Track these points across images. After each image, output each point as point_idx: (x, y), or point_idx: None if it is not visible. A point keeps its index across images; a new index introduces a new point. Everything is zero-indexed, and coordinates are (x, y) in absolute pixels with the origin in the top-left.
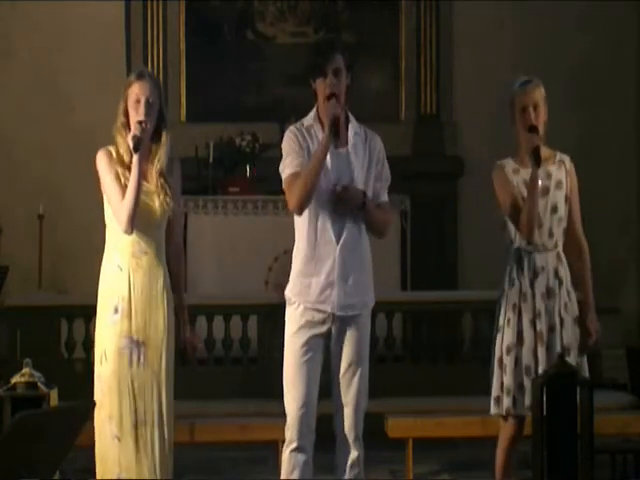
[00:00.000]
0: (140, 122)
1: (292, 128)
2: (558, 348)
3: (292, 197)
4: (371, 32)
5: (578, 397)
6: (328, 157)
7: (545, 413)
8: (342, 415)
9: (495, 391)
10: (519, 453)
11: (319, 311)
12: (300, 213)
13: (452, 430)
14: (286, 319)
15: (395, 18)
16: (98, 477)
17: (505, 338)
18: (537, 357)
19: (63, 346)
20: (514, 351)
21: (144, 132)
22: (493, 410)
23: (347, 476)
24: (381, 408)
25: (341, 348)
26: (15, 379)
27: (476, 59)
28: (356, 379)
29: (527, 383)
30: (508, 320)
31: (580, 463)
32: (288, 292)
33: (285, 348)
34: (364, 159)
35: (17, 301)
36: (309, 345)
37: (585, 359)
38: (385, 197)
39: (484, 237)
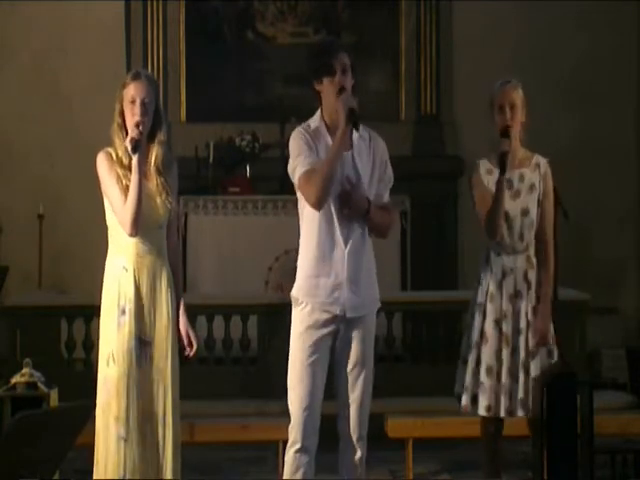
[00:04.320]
0: (137, 124)
1: (299, 129)
2: (523, 351)
3: (311, 193)
4: (371, 32)
5: (578, 397)
6: None
7: (545, 413)
8: (347, 415)
9: (457, 388)
10: (519, 453)
11: (328, 312)
12: (320, 208)
13: (452, 430)
14: (292, 319)
15: (395, 18)
16: (99, 478)
17: (470, 337)
18: (500, 358)
19: (63, 346)
20: (476, 350)
21: (141, 134)
22: (459, 408)
23: (349, 476)
24: (381, 408)
25: (347, 348)
26: (15, 379)
27: (476, 59)
28: (361, 379)
29: (487, 383)
30: (474, 319)
31: (580, 463)
32: (295, 292)
33: (291, 348)
34: (368, 162)
35: (17, 301)
36: (316, 346)
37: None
38: (387, 198)
39: (484, 237)
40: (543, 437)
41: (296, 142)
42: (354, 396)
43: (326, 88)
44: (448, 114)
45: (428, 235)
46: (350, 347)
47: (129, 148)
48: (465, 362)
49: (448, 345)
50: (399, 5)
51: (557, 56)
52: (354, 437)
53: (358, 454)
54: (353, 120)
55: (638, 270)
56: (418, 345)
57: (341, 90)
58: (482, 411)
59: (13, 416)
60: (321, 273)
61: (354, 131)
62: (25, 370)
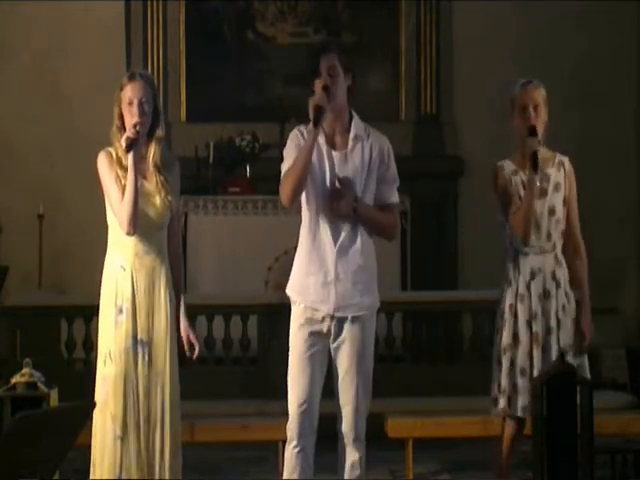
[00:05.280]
0: (135, 125)
1: (295, 131)
2: (554, 350)
3: (282, 190)
4: (371, 32)
5: (578, 397)
6: (325, 160)
7: (545, 413)
8: (344, 415)
9: (493, 392)
10: (519, 453)
11: (318, 310)
12: (289, 205)
13: (452, 430)
14: (291, 317)
15: (395, 18)
16: (95, 477)
17: (502, 339)
18: (532, 359)
19: (63, 346)
20: (510, 352)
21: (138, 134)
22: (493, 411)
23: (348, 477)
24: (381, 408)
25: (342, 348)
26: (15, 379)
27: (476, 59)
28: (356, 380)
29: (522, 384)
30: (505, 321)
31: (580, 463)
32: (289, 291)
33: (289, 346)
34: (363, 162)
35: (17, 301)
36: (310, 342)
37: (585, 359)
38: (393, 199)
39: (484, 237)
40: (543, 437)
41: (288, 144)
42: (350, 397)
43: (316, 89)
44: (448, 114)
45: (428, 235)
46: (344, 347)
47: (123, 146)
48: (499, 365)
49: (448, 345)
50: (399, 5)
51: (557, 56)
52: (351, 437)
53: (357, 454)
54: (315, 117)
55: (638, 270)
56: (418, 345)
57: (325, 89)
58: (519, 412)
59: (13, 416)
60: (311, 272)
61: (350, 131)
62: (25, 370)
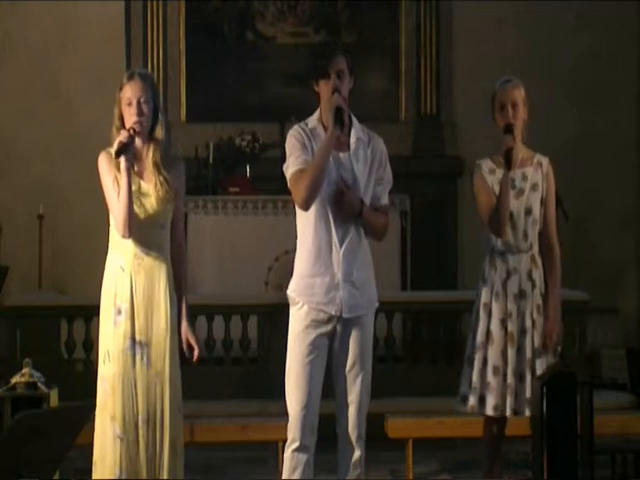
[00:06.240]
0: (130, 128)
1: (296, 127)
2: (529, 351)
3: (298, 193)
4: (371, 32)
5: (578, 397)
6: (331, 162)
7: (545, 413)
8: (345, 415)
9: (462, 389)
10: (519, 453)
11: (324, 312)
12: (306, 209)
13: (452, 430)
14: (290, 319)
15: (395, 18)
16: (96, 477)
17: (476, 337)
18: (506, 358)
19: (63, 346)
20: (482, 350)
21: (131, 138)
22: (461, 408)
23: (348, 476)
24: (381, 408)
25: (344, 348)
26: (15, 379)
27: (476, 59)
28: (359, 379)
29: (494, 383)
30: (479, 320)
31: (580, 463)
32: (291, 292)
33: (289, 348)
34: (365, 164)
35: (17, 301)
36: (314, 345)
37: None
38: (385, 200)
39: (484, 237)
40: (543, 437)
41: (291, 141)
42: (352, 396)
43: (322, 90)
44: (448, 114)
45: (428, 235)
46: (348, 347)
47: (115, 149)
48: (471, 363)
49: (448, 345)
50: (399, 5)
51: (557, 56)
52: (353, 437)
53: (357, 454)
54: (339, 119)
55: (638, 270)
56: (418, 345)
57: (334, 92)
58: (490, 411)
59: (13, 416)
60: (317, 273)
61: (352, 133)
62: (25, 370)
